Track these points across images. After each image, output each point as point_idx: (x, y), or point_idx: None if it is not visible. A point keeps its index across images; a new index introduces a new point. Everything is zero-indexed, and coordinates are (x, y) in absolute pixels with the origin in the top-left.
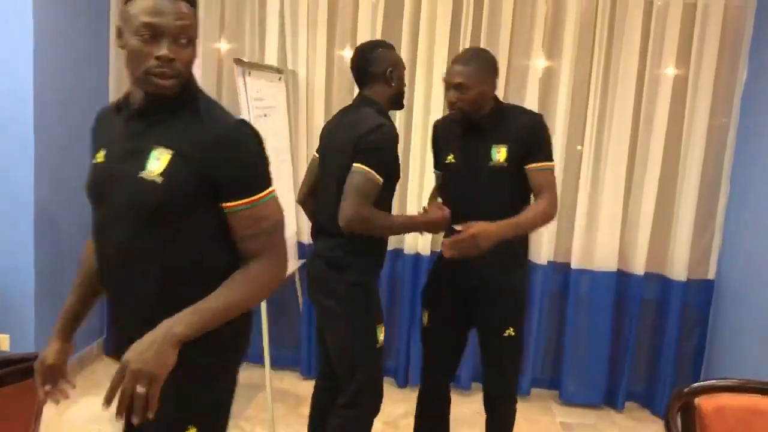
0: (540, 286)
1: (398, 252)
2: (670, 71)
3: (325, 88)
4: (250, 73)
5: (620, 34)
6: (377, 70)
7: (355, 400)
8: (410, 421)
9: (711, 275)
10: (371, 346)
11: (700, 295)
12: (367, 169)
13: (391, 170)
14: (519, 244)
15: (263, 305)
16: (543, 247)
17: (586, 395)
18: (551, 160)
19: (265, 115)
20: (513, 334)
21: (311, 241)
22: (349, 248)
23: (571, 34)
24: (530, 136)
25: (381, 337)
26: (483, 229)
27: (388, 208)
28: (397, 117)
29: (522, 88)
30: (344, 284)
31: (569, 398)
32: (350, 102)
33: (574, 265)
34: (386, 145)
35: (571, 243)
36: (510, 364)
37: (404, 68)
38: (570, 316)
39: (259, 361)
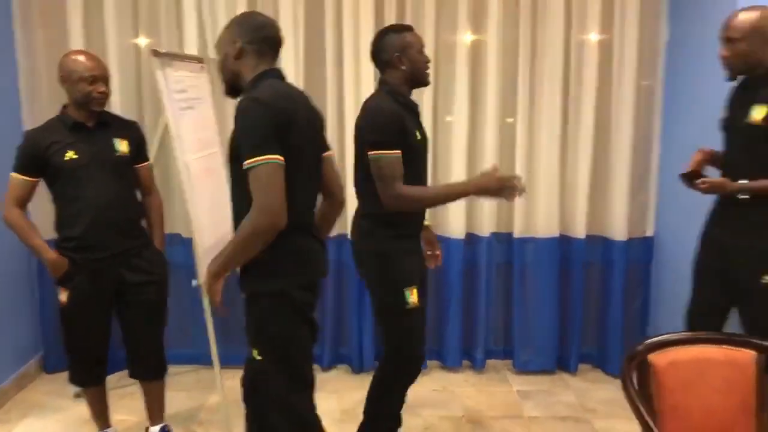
0: (485, 258)
1: (342, 238)
2: (594, 36)
3: None
4: (170, 64)
5: (544, 1)
6: (386, 56)
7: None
8: None
9: (650, 232)
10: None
11: (641, 252)
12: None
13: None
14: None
15: (207, 305)
16: (485, 219)
17: (540, 362)
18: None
19: (191, 108)
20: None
21: None
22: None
23: (496, 4)
24: None
25: (412, 298)
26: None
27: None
28: (328, 100)
29: (451, 62)
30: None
31: (523, 366)
32: None
33: (516, 234)
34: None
35: (512, 213)
36: None
37: (418, 46)
38: (517, 284)
39: (210, 361)
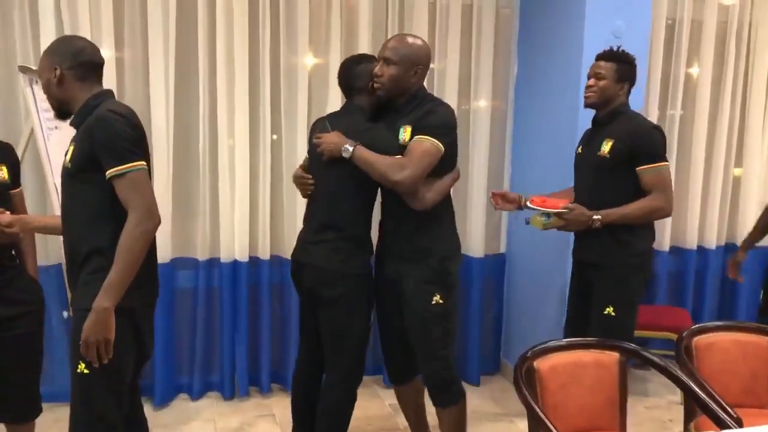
0: None
1: (214, 261)
2: (455, 66)
3: (117, 95)
4: (36, 81)
5: (409, 32)
6: (361, 84)
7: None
8: None
9: (502, 249)
10: (367, 327)
11: (495, 268)
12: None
13: None
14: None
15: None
16: None
17: None
18: None
19: (57, 128)
20: None
21: None
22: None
23: (366, 33)
24: None
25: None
26: None
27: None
28: (200, 117)
29: (324, 86)
30: (351, 275)
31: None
32: None
33: None
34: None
35: None
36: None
37: None
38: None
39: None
